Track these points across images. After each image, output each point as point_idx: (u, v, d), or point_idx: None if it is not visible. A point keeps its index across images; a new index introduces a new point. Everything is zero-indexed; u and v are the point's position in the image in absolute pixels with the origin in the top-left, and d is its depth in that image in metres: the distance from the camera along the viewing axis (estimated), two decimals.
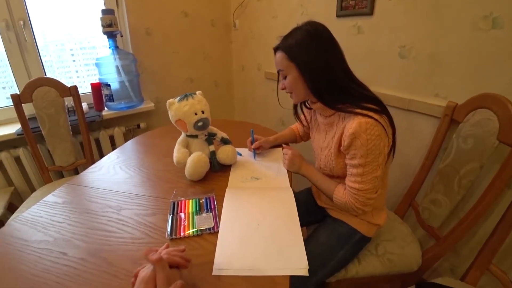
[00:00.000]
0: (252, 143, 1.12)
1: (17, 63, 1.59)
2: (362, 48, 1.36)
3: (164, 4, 1.89)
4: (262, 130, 1.38)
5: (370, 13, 1.28)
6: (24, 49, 1.59)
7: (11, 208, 1.50)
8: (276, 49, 0.85)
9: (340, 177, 0.90)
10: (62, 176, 1.73)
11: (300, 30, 0.80)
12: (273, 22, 1.85)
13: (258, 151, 1.14)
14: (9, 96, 1.40)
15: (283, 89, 0.89)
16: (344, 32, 1.42)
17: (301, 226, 0.75)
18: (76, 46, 1.94)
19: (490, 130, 0.87)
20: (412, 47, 1.17)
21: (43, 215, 0.81)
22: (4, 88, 1.72)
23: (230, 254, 0.64)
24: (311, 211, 1.08)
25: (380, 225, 0.93)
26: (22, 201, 1.47)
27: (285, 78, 0.86)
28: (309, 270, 0.62)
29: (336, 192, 0.86)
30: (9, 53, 1.55)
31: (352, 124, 0.73)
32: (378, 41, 1.28)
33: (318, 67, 0.78)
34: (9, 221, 1.23)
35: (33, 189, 1.66)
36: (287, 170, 1.01)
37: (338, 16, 1.43)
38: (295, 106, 1.00)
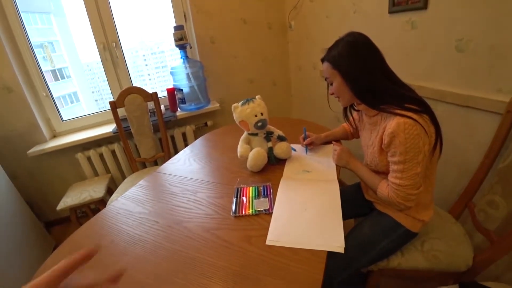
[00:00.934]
0: (304, 139, 1.24)
1: (111, 76, 1.97)
2: (416, 43, 1.35)
3: (225, 14, 2.09)
4: (314, 127, 1.48)
5: (424, 7, 1.26)
6: (116, 65, 1.96)
7: (108, 191, 1.89)
8: (322, 60, 0.97)
9: (384, 173, 0.96)
10: (145, 167, 2.08)
11: (341, 42, 0.90)
12: (326, 22, 1.90)
13: (309, 147, 1.25)
14: (97, 99, 1.76)
15: (331, 94, 1.01)
16: (397, 28, 1.42)
17: (349, 218, 0.85)
18: (147, 52, 2.25)
19: None
20: (470, 39, 1.13)
21: (140, 194, 1.06)
22: (92, 92, 2.12)
23: (281, 230, 0.79)
24: (359, 205, 1.15)
25: (425, 221, 0.96)
26: (116, 186, 1.83)
27: (332, 84, 0.96)
28: (349, 257, 0.72)
29: (380, 187, 0.93)
30: (106, 69, 1.94)
31: (392, 124, 0.80)
32: (433, 35, 1.27)
33: (358, 73, 0.87)
34: (111, 199, 1.57)
35: (124, 177, 2.04)
36: (336, 165, 1.11)
37: (390, 12, 1.42)
38: (344, 109, 1.10)
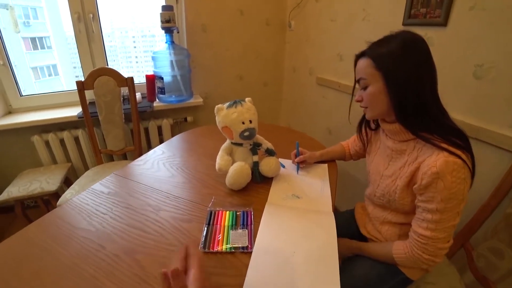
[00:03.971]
0: (296, 156, 1.07)
1: (84, 52, 1.73)
2: None
3: (221, 1, 1.90)
4: (308, 141, 1.32)
5: (444, 23, 1.14)
6: (91, 39, 1.71)
7: (67, 181, 1.66)
8: (360, 55, 0.77)
9: (395, 211, 0.83)
10: (112, 159, 1.86)
11: (395, 39, 0.71)
12: (331, 26, 1.76)
13: (301, 165, 1.09)
14: (78, 75, 1.53)
15: (358, 101, 0.80)
16: None
17: None
18: (138, 34, 2.08)
19: None
20: (492, 66, 1.02)
21: (90, 203, 0.86)
22: (74, 67, 1.90)
23: (261, 280, 0.61)
24: (352, 237, 1.00)
25: (428, 270, 0.84)
26: (76, 177, 1.60)
27: (365, 88, 0.77)
28: None
29: (396, 250, 0.78)
30: (79, 42, 1.69)
31: (437, 161, 0.64)
32: (449, 56, 1.14)
33: (409, 83, 0.69)
34: (61, 199, 1.34)
35: (86, 168, 1.81)
36: (331, 192, 0.95)
37: (404, 24, 1.30)
38: (362, 122, 0.93)
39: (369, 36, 1.50)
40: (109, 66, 1.83)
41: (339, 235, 0.97)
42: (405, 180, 0.73)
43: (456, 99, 1.14)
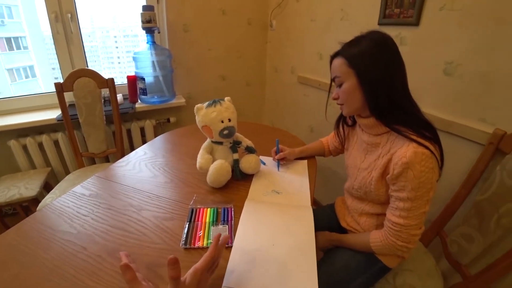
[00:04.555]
0: (276, 153, 1.10)
1: (63, 53, 1.69)
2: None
3: (203, 1, 1.90)
4: (290, 138, 1.35)
5: (416, 23, 1.19)
6: (70, 40, 1.68)
7: (47, 186, 1.62)
8: (334, 55, 0.80)
9: (372, 202, 0.86)
10: (94, 162, 1.83)
11: (365, 39, 0.74)
12: (311, 25, 1.79)
13: (282, 162, 1.12)
14: (58, 77, 1.50)
15: (335, 98, 0.83)
16: None
17: None
18: (119, 34, 2.04)
19: None
20: (460, 64, 1.07)
21: (71, 206, 0.85)
22: (53, 69, 1.85)
23: (241, 273, 0.63)
24: (332, 229, 1.03)
25: (405, 258, 0.88)
26: (57, 181, 1.57)
27: (340, 86, 0.80)
28: None
29: (372, 239, 0.81)
30: (57, 43, 1.65)
31: (406, 152, 0.67)
32: (422, 54, 1.19)
33: (381, 79, 0.72)
34: (41, 204, 1.32)
35: (67, 171, 1.77)
36: (309, 187, 0.98)
37: (380, 24, 1.35)
38: (339, 119, 0.97)
39: (347, 35, 1.51)
40: (90, 67, 1.80)
41: (321, 228, 1.01)
42: (380, 171, 0.77)
43: (429, 95, 1.20)
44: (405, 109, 0.74)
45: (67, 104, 1.55)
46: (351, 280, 0.86)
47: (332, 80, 0.83)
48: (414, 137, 0.69)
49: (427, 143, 0.68)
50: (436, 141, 0.71)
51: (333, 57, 0.81)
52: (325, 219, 1.08)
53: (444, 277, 1.01)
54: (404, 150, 0.68)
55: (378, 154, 0.79)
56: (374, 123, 0.78)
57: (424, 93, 1.21)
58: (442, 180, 1.20)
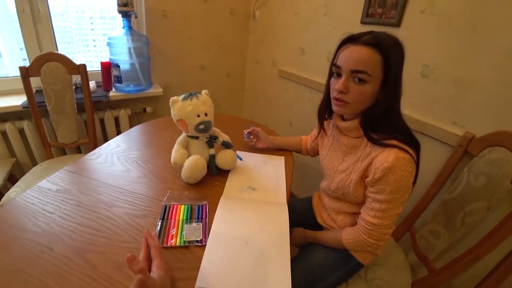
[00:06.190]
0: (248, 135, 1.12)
1: (29, 34, 1.57)
2: None
3: None
4: (268, 132, 1.33)
5: (397, 24, 1.20)
6: (37, 20, 1.56)
7: (12, 179, 1.52)
8: (365, 42, 0.67)
9: (349, 203, 0.87)
10: (64, 153, 1.74)
11: (384, 34, 0.67)
12: (294, 19, 1.77)
13: (252, 139, 1.14)
14: (26, 58, 1.38)
15: (342, 92, 0.70)
16: None
17: None
18: (96, 15, 1.90)
19: (507, 172, 0.82)
20: (436, 67, 1.10)
21: (35, 202, 0.80)
22: (21, 49, 1.70)
23: (215, 272, 0.63)
24: (308, 224, 1.05)
25: (378, 255, 0.91)
26: (23, 173, 1.48)
27: (358, 82, 0.69)
28: None
29: (345, 236, 0.83)
30: (22, 23, 1.53)
31: (388, 157, 0.67)
32: None
33: (398, 89, 0.70)
34: (4, 198, 1.24)
35: (34, 163, 1.67)
36: (286, 182, 0.98)
37: (362, 22, 1.35)
38: (322, 109, 0.87)
39: (330, 31, 1.55)
40: (63, 49, 1.69)
41: (298, 219, 1.01)
42: (359, 174, 0.76)
43: (405, 96, 1.21)
44: (398, 117, 0.73)
45: (34, 90, 1.45)
46: (326, 276, 0.88)
47: (353, 71, 0.68)
48: (395, 143, 0.69)
49: (407, 147, 0.68)
50: (415, 145, 0.72)
51: (361, 42, 0.67)
52: (303, 211, 1.09)
53: (413, 270, 1.06)
54: (385, 155, 0.68)
55: (358, 156, 0.78)
56: (357, 126, 0.76)
57: (402, 94, 1.23)
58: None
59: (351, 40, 0.70)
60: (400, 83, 0.70)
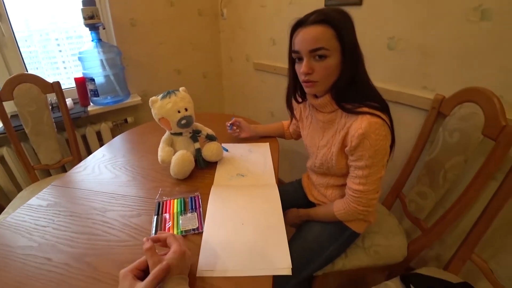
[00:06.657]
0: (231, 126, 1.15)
1: None
2: None
3: None
4: (250, 123, 1.36)
5: (359, 2, 1.25)
6: (2, 44, 1.53)
7: None
8: (314, 22, 0.68)
9: (335, 176, 0.90)
10: (49, 174, 1.71)
11: (330, 9, 0.70)
12: (262, 12, 1.80)
13: (235, 130, 1.17)
14: None
15: (308, 73, 0.72)
16: None
17: None
18: (61, 36, 1.86)
19: (476, 124, 0.87)
20: (401, 38, 1.15)
21: (27, 219, 0.79)
22: None
23: (214, 255, 0.64)
24: (301, 204, 1.08)
25: (371, 222, 0.94)
26: (9, 201, 1.44)
27: (320, 58, 0.70)
28: (296, 267, 0.62)
29: (336, 208, 0.86)
30: None
31: (361, 124, 0.70)
32: (367, 32, 1.26)
33: (357, 54, 0.72)
34: None
35: (19, 189, 1.63)
36: (273, 165, 1.01)
37: (326, 5, 1.39)
38: (289, 98, 0.91)
39: (296, 18, 1.58)
40: None
41: (290, 202, 1.04)
42: (338, 145, 0.80)
43: (376, 69, 1.27)
44: (368, 83, 0.76)
45: (9, 115, 1.42)
46: (324, 249, 0.91)
47: (311, 51, 0.70)
48: (366, 110, 0.71)
49: (378, 113, 0.71)
50: (386, 110, 0.75)
51: (309, 23, 0.70)
52: (294, 193, 1.12)
53: (407, 234, 1.11)
54: (359, 122, 0.71)
55: (335, 129, 0.82)
56: (329, 101, 0.78)
57: (372, 68, 1.25)
58: (397, 146, 1.31)
59: (300, 24, 0.72)
60: (358, 48, 0.73)
